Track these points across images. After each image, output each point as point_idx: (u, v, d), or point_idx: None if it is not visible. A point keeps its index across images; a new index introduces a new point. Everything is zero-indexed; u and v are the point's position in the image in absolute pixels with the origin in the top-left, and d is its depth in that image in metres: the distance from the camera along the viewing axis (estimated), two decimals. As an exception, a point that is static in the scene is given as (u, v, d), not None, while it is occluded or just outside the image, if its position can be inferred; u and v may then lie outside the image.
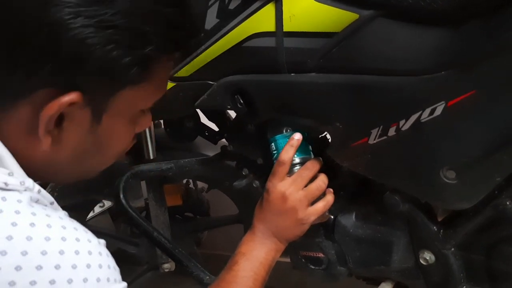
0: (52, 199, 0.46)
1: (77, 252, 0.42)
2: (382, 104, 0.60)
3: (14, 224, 0.40)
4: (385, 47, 0.58)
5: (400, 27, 0.57)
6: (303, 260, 0.87)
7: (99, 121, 0.47)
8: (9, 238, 0.39)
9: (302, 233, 0.74)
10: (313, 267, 0.86)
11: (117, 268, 0.47)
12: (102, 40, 0.42)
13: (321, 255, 0.83)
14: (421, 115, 0.57)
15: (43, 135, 0.45)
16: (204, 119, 1.05)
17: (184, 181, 1.41)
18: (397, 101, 0.59)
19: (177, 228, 1.36)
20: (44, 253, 0.40)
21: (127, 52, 0.44)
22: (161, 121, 1.12)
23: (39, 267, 0.39)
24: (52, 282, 0.39)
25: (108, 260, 0.45)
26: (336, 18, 0.59)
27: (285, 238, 0.74)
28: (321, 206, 0.73)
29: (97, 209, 1.62)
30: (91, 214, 1.56)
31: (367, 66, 0.60)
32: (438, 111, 0.56)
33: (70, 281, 0.40)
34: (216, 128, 1.05)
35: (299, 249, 0.87)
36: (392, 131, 0.61)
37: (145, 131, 1.08)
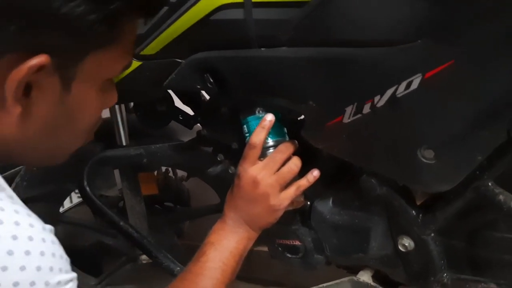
0: None
1: (14, 237, 0.38)
2: (355, 78, 0.56)
3: None
4: (358, 15, 0.53)
5: (374, -6, 0.52)
6: (280, 248, 0.83)
7: (68, 90, 0.45)
8: None
9: (275, 220, 0.70)
10: (290, 255, 0.82)
11: (65, 257, 0.43)
12: None
13: (297, 243, 0.79)
14: (396, 89, 0.53)
15: (12, 104, 0.42)
16: (179, 104, 1.01)
17: (163, 169, 1.36)
18: (371, 75, 0.55)
19: (157, 218, 1.32)
20: None
21: (93, 7, 0.41)
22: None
23: None
24: None
25: (53, 247, 0.41)
26: (306, -16, 0.55)
27: (258, 226, 0.70)
28: (293, 190, 0.69)
29: (76, 199, 1.57)
30: (69, 205, 1.51)
31: (339, 37, 0.55)
32: (414, 85, 0.51)
33: (4, 268, 0.37)
34: (191, 112, 1.01)
35: (275, 237, 0.83)
36: (367, 108, 0.57)
37: (116, 116, 1.03)
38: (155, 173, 1.36)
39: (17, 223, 0.39)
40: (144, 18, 0.51)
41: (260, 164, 0.68)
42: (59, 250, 0.42)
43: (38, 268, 0.38)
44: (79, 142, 0.52)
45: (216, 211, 1.33)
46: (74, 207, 1.55)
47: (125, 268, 1.37)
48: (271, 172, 0.68)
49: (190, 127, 1.00)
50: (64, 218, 1.28)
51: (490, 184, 0.56)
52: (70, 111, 0.47)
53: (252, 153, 0.68)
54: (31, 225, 0.40)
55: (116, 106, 1.03)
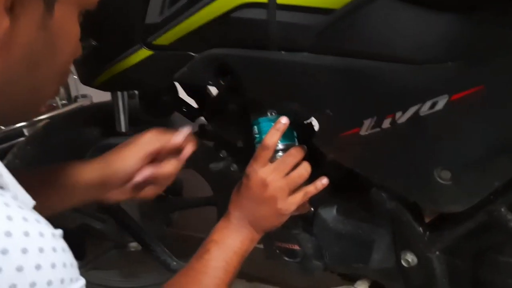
0: None
1: (24, 251, 0.35)
2: (378, 92, 0.55)
3: None
4: (387, 29, 0.52)
5: (406, 9, 0.51)
6: (278, 251, 0.82)
7: (51, 11, 0.43)
8: None
9: (280, 224, 0.69)
10: (287, 259, 0.81)
11: (75, 264, 0.39)
12: None
13: (297, 247, 0.79)
14: (420, 108, 0.52)
15: (1, 14, 0.38)
16: (183, 94, 0.99)
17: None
18: (395, 90, 0.54)
19: (148, 207, 1.30)
20: None
21: None
22: (136, 92, 1.04)
23: None
24: None
25: (63, 256, 0.38)
26: (337, -8, 0.53)
27: (262, 228, 0.69)
28: (301, 196, 0.68)
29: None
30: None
31: (365, 49, 0.54)
32: (440, 105, 0.51)
33: (13, 286, 0.33)
34: (195, 105, 0.99)
35: (274, 240, 0.82)
36: (386, 123, 0.56)
37: (118, 102, 1.00)
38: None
39: (26, 234, 0.35)
40: None
41: (270, 166, 0.67)
42: (69, 257, 0.38)
43: (49, 283, 0.36)
44: (56, 82, 0.49)
45: (207, 204, 1.32)
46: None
47: (110, 253, 1.35)
48: (281, 175, 0.67)
49: (193, 120, 0.99)
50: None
51: (502, 209, 0.56)
52: (52, 38, 0.45)
53: (264, 154, 0.67)
54: (41, 234, 0.37)
55: (119, 92, 1.00)
